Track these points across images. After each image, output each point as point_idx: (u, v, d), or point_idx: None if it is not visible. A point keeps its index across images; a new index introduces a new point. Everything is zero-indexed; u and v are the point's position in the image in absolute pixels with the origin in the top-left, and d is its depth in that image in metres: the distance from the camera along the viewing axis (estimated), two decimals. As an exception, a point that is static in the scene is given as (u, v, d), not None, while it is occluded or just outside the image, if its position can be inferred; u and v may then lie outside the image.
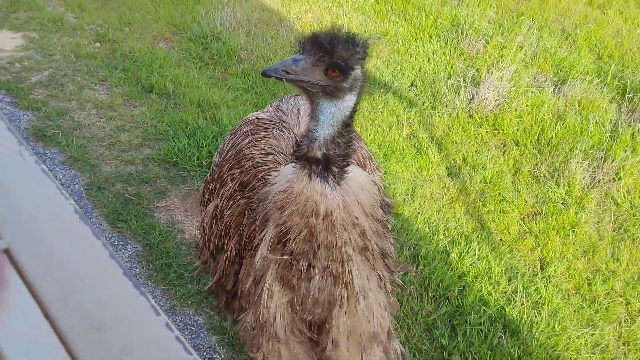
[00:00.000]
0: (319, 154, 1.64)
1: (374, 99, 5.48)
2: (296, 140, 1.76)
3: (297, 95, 2.65)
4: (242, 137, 2.37)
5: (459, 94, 5.47)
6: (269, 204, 1.77)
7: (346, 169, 1.69)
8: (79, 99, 4.88)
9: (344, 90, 1.61)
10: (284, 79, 1.61)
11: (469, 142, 5.06)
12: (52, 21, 5.94)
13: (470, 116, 5.35)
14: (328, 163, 1.65)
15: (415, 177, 4.56)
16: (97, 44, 5.71)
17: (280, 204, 1.73)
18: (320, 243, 1.71)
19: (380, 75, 5.90)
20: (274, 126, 2.37)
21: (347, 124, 1.66)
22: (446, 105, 5.44)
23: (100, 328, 0.65)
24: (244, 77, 5.64)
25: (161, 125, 4.67)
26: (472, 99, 5.44)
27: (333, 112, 1.63)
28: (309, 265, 1.75)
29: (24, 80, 5.02)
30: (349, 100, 1.62)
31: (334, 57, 1.56)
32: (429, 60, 6.20)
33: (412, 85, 5.85)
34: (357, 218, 1.72)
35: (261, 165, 2.21)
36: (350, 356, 1.91)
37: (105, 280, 0.69)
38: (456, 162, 4.81)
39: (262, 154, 2.25)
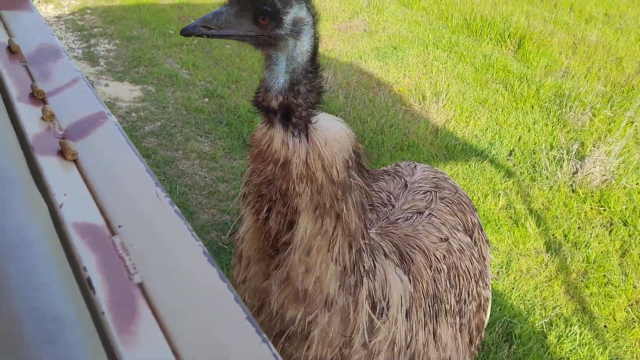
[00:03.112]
0: (274, 103, 1.55)
1: (469, 166, 5.39)
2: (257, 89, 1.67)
3: (417, 163, 2.68)
4: None
5: (561, 167, 5.25)
6: None
7: (311, 118, 1.57)
8: (185, 149, 5.19)
9: (283, 38, 1.50)
10: (204, 35, 1.51)
11: (571, 217, 4.80)
12: (168, 76, 6.46)
13: (573, 190, 5.09)
14: (288, 112, 1.55)
15: (510, 249, 4.36)
16: (206, 99, 6.11)
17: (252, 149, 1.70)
18: (277, 189, 1.62)
19: (477, 142, 5.81)
20: (387, 174, 2.47)
21: (309, 71, 1.56)
22: (547, 178, 5.23)
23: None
24: (340, 137, 5.74)
25: (258, 179, 4.83)
26: (575, 172, 5.20)
27: (283, 61, 1.54)
28: (269, 207, 1.66)
29: (138, 129, 5.43)
30: (299, 46, 1.52)
31: (259, 3, 1.47)
32: (529, 130, 6.05)
33: (510, 154, 5.70)
34: (314, 174, 1.59)
35: None
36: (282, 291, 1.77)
37: (230, 323, 0.71)
38: (556, 237, 4.56)
39: None
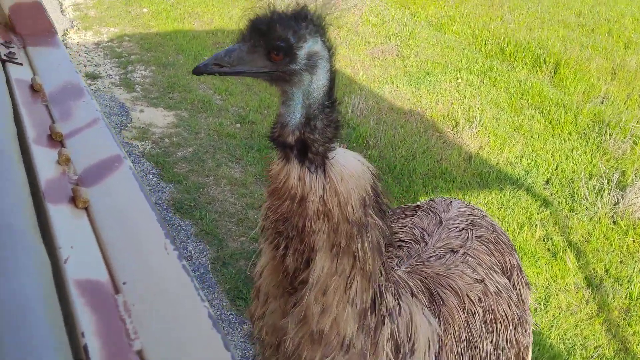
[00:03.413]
0: (290, 139, 1.51)
1: (504, 195, 5.24)
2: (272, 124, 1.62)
3: (453, 198, 2.61)
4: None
5: (601, 197, 5.05)
6: None
7: (328, 154, 1.53)
8: (216, 175, 5.21)
9: (297, 73, 1.47)
10: (217, 74, 1.49)
11: (612, 250, 4.59)
12: (201, 102, 6.54)
13: (614, 222, 4.88)
14: (304, 148, 1.51)
15: (549, 284, 4.18)
16: (238, 125, 6.15)
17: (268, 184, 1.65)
18: (294, 226, 1.57)
19: (512, 170, 5.66)
20: (421, 210, 2.38)
21: (325, 106, 1.52)
22: (586, 208, 5.03)
23: None
24: (372, 163, 5.67)
25: (287, 206, 4.80)
26: (617, 203, 4.99)
27: (298, 96, 1.50)
28: (286, 244, 1.62)
29: (171, 154, 5.49)
30: (315, 80, 1.49)
31: (271, 39, 1.43)
32: (567, 158, 5.86)
33: (547, 183, 5.52)
34: (330, 211, 1.54)
35: (397, 235, 2.20)
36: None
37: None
38: (597, 272, 4.36)
39: (401, 226, 2.26)
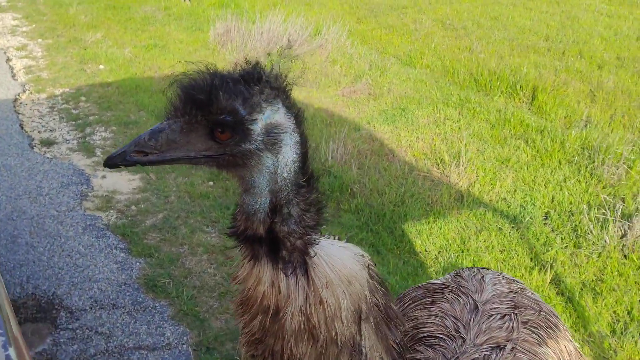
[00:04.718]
0: (260, 230, 1.23)
1: (504, 235, 4.89)
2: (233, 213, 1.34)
3: (483, 268, 2.23)
4: (409, 302, 2.01)
5: (607, 229, 4.73)
6: None
7: (309, 248, 1.25)
8: (191, 243, 4.75)
9: (253, 154, 1.20)
10: (139, 164, 1.19)
11: (629, 289, 4.24)
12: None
13: (625, 256, 4.56)
14: (277, 242, 1.24)
15: (572, 336, 3.77)
16: (210, 183, 5.71)
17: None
18: (269, 350, 1.25)
19: (507, 207, 5.33)
20: (448, 290, 1.99)
21: (300, 186, 1.25)
22: (593, 243, 4.70)
23: None
24: (358, 213, 5.31)
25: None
26: (624, 235, 4.68)
27: (262, 182, 1.24)
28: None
29: (139, 223, 5.00)
30: (281, 159, 1.22)
31: (213, 112, 1.15)
32: (561, 188, 5.57)
33: (546, 217, 5.21)
34: (315, 328, 1.22)
35: (424, 327, 1.83)
36: None
37: None
38: (619, 315, 3.99)
39: (428, 315, 1.90)
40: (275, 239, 1.25)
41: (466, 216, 5.21)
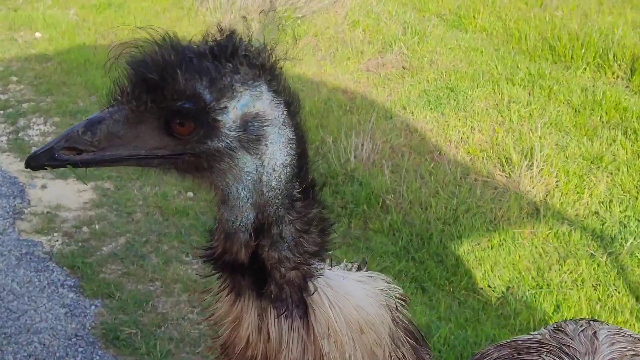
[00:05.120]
0: (242, 255, 1.27)
1: (597, 265, 4.84)
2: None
3: (594, 321, 2.22)
4: None
5: None
6: None
7: (308, 282, 1.28)
8: (165, 277, 4.76)
9: (223, 154, 1.21)
10: (70, 165, 1.22)
11: None
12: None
13: None
14: (264, 272, 1.28)
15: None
16: (190, 194, 5.73)
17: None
18: None
19: (600, 224, 5.29)
20: (546, 351, 1.96)
21: (294, 198, 1.28)
22: None
23: None
24: (393, 235, 5.30)
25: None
26: None
27: (242, 191, 1.27)
28: None
29: (93, 251, 5.03)
30: (267, 162, 1.24)
31: (169, 96, 1.15)
32: (676, 198, 5.53)
33: (656, 239, 5.16)
34: None
35: None
36: None
37: None
38: None
39: None
40: (262, 268, 1.28)
41: (543, 237, 5.19)
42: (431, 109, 7.14)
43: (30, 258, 4.92)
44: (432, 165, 6.13)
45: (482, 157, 6.25)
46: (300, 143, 1.28)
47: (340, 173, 6.07)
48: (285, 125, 1.25)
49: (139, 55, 1.17)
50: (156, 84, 1.15)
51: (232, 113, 1.19)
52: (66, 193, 5.73)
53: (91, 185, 5.85)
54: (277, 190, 1.26)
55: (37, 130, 6.74)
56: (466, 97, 7.30)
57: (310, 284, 1.29)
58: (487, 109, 7.07)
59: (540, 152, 5.96)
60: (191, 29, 8.49)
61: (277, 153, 1.25)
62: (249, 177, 1.25)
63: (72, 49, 8.47)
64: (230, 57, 1.19)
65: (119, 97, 1.20)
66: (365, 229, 5.41)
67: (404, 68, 8.19)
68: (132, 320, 4.37)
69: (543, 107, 6.99)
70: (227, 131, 1.19)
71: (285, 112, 1.25)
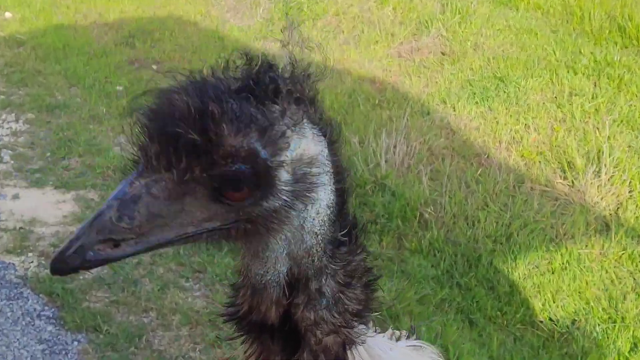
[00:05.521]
0: (272, 315, 1.27)
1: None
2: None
3: None
4: None
5: None
6: None
7: (346, 354, 1.29)
8: (161, 307, 4.77)
9: (279, 213, 1.20)
10: (107, 263, 1.20)
11: None
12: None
13: None
14: (297, 336, 1.28)
15: None
16: (189, 205, 5.72)
17: None
18: None
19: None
20: None
21: (338, 243, 1.28)
22: None
23: None
24: (434, 256, 5.29)
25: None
26: None
27: (280, 244, 1.26)
28: None
29: (74, 275, 4.99)
30: (312, 207, 1.23)
31: (219, 162, 1.11)
32: None
33: None
34: None
35: None
36: None
37: None
38: None
39: None
40: (294, 331, 1.28)
41: (616, 259, 5.16)
42: (477, 103, 7.15)
43: (1, 283, 4.93)
44: (479, 171, 6.12)
45: (539, 162, 6.25)
46: (339, 175, 1.27)
47: (369, 181, 6.06)
48: (328, 160, 1.24)
49: (162, 105, 1.14)
50: (200, 147, 1.10)
51: (286, 169, 1.17)
52: (42, 205, 5.76)
53: (71, 194, 5.87)
54: (320, 237, 1.25)
55: (7, 129, 6.78)
56: (518, 88, 7.32)
57: (349, 354, 1.30)
58: (543, 103, 7.07)
59: (609, 156, 5.94)
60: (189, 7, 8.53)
61: (322, 195, 1.25)
62: (290, 228, 1.25)
63: (48, 31, 8.54)
64: (274, 96, 1.15)
65: (149, 162, 1.15)
66: (400, 248, 5.39)
67: (442, 54, 8.23)
68: (122, 359, 4.37)
69: (612, 101, 6.98)
70: (283, 187, 1.17)
71: (325, 143, 1.24)
